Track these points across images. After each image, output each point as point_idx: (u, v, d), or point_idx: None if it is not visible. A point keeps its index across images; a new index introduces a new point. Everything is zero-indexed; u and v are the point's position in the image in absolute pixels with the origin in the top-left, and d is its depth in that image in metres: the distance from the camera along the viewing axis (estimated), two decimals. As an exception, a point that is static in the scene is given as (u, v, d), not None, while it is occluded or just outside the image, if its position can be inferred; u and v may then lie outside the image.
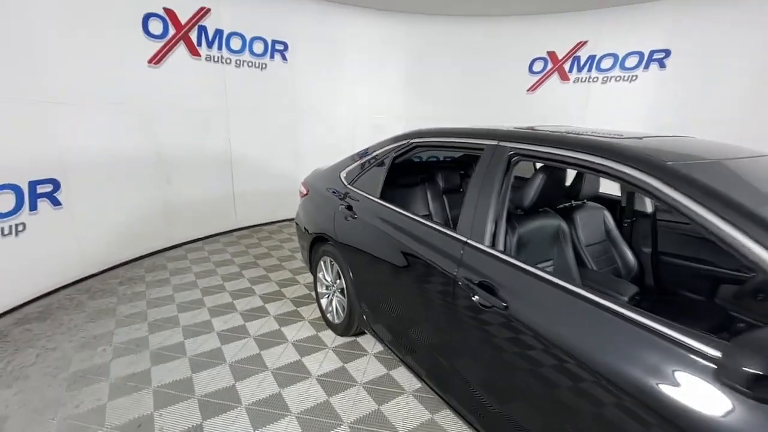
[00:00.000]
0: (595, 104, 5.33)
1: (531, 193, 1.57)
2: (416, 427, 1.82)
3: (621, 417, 0.96)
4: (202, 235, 4.47)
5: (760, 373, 0.64)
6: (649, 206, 2.23)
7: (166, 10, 3.65)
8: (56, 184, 3.01)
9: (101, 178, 3.33)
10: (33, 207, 2.87)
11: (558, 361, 1.11)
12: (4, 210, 2.68)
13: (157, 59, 3.66)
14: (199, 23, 3.96)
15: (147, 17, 3.53)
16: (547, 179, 1.57)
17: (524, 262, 1.29)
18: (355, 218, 2.15)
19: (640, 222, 2.23)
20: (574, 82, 5.40)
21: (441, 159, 3.09)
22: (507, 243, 1.53)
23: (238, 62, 4.40)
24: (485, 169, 1.51)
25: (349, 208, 2.22)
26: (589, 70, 5.28)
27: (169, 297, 3.04)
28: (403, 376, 2.17)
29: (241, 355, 2.32)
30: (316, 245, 2.64)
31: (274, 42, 4.64)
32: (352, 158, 2.49)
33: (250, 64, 4.50)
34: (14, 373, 2.12)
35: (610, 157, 1.15)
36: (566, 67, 5.41)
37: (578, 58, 5.32)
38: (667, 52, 4.72)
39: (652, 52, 4.81)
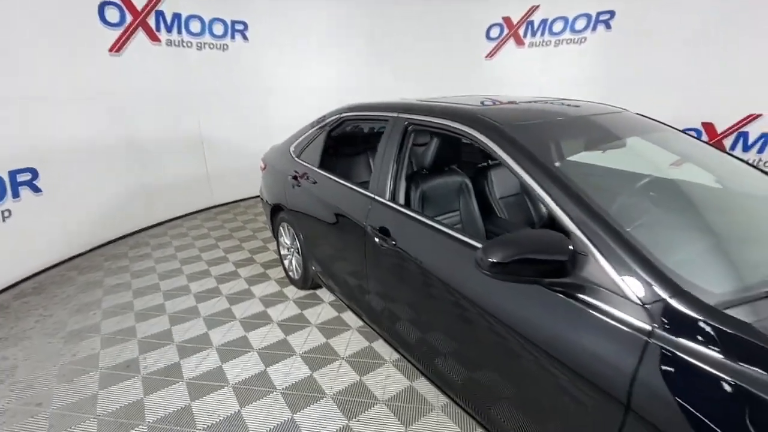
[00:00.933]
0: (551, 68, 5.56)
1: (428, 155, 1.90)
2: (356, 353, 2.23)
3: (462, 314, 1.34)
4: (182, 213, 4.77)
5: (494, 260, 1.00)
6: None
7: (120, -3, 3.78)
8: (34, 173, 3.27)
9: (77, 165, 3.58)
10: (16, 194, 3.14)
11: (426, 276, 1.48)
12: (-10, 198, 2.96)
13: (117, 47, 3.82)
14: (156, 8, 4.08)
15: (102, 5, 3.66)
16: (441, 143, 1.89)
17: (415, 212, 1.64)
18: (300, 186, 2.48)
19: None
20: (529, 46, 5.60)
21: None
22: (410, 197, 1.88)
23: (199, 45, 4.54)
24: (388, 136, 1.84)
25: (295, 177, 2.54)
26: (543, 34, 5.48)
27: (151, 268, 3.39)
28: (350, 318, 2.57)
29: (214, 310, 2.70)
30: (276, 214, 2.98)
31: (233, 22, 4.76)
32: (298, 134, 2.78)
33: (211, 46, 4.64)
34: (18, 336, 2.49)
35: (458, 120, 1.48)
36: (521, 32, 5.59)
37: (532, 23, 5.51)
38: (612, 13, 4.92)
39: (598, 14, 5.02)
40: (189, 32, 4.41)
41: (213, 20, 4.58)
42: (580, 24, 5.17)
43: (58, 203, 3.46)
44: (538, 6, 5.41)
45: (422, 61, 5.85)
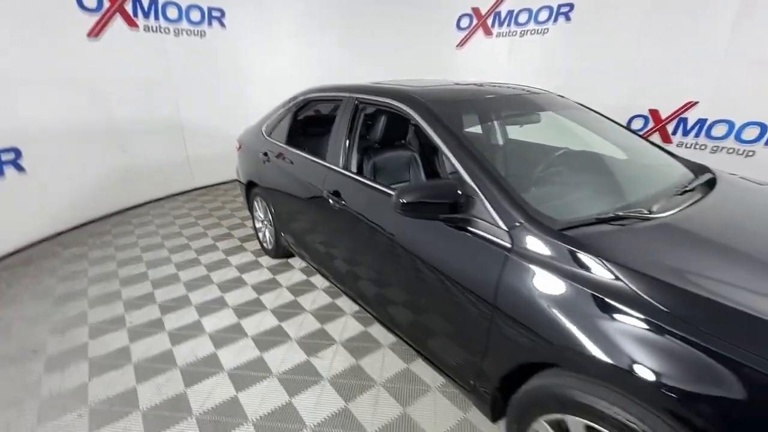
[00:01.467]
0: (517, 57, 5.88)
1: (377, 131, 2.19)
2: (321, 307, 2.53)
3: (391, 250, 1.64)
4: (163, 195, 4.95)
5: (403, 201, 1.30)
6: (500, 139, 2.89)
7: (97, -17, 3.91)
8: (18, 152, 3.43)
9: (59, 146, 3.74)
10: (0, 173, 3.31)
11: (365, 224, 1.78)
12: (-24, 175, 3.13)
13: (95, 32, 3.95)
14: (133, -6, 4.22)
15: (80, -9, 3.80)
16: (388, 120, 2.17)
17: (357, 174, 1.94)
18: (269, 162, 2.74)
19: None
20: (496, 36, 5.90)
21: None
22: (363, 168, 2.17)
23: (176, 31, 4.68)
24: (341, 113, 2.12)
25: (265, 154, 2.80)
26: (509, 24, 5.78)
27: (134, 243, 3.61)
28: (318, 280, 2.86)
29: (193, 276, 2.96)
30: (250, 190, 3.23)
31: (210, 9, 4.90)
32: (269, 115, 3.03)
33: (189, 32, 4.79)
34: (10, 299, 2.71)
35: (393, 97, 1.78)
36: (489, 22, 5.88)
37: (499, 14, 5.79)
38: (572, 6, 5.25)
39: (559, 6, 5.33)
40: (166, 18, 4.55)
41: (190, 7, 4.72)
42: (543, 15, 5.48)
43: (42, 182, 3.63)
44: (505, -3, 5.70)
45: (395, 49, 6.09)
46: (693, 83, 4.39)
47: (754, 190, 1.67)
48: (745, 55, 3.96)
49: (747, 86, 4.01)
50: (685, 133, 4.57)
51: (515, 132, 2.55)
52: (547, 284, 1.11)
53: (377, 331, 2.28)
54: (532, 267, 1.14)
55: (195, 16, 4.79)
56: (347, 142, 2.06)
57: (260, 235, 3.31)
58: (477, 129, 2.32)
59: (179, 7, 4.63)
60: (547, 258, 1.13)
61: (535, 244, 1.17)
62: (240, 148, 3.35)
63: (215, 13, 4.96)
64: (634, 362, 0.91)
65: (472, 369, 1.37)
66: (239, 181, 3.38)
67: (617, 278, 1.01)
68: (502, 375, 1.23)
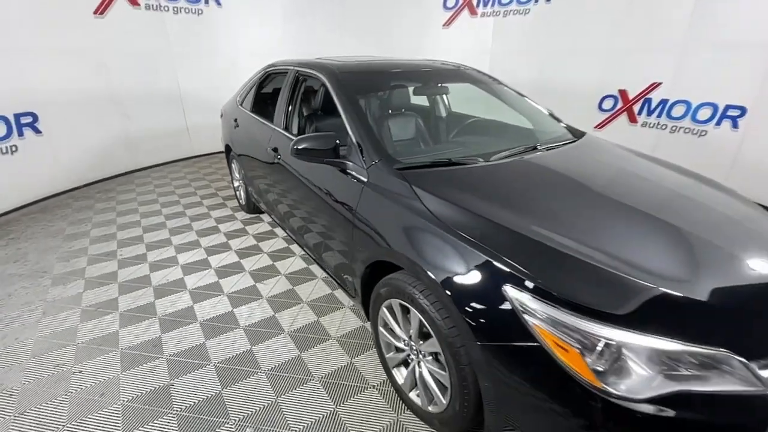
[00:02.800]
0: (500, 36, 6.06)
1: (316, 102, 2.58)
2: (277, 250, 3.01)
3: (304, 188, 2.08)
4: (164, 161, 5.50)
5: (296, 148, 1.73)
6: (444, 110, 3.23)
7: (102, -35, 4.34)
8: (35, 116, 3.99)
9: (71, 112, 4.29)
10: (20, 133, 3.88)
11: (290, 171, 2.22)
12: (1, 134, 3.70)
13: (101, 10, 4.42)
14: (135, -26, 4.64)
15: (87, -28, 4.25)
16: (326, 90, 2.57)
17: (285, 131, 2.37)
18: (238, 127, 3.19)
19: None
20: (481, 16, 6.09)
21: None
22: (306, 130, 2.58)
23: (175, 9, 5.10)
24: (285, 83, 2.53)
25: (236, 120, 3.24)
26: (493, 5, 5.95)
27: (133, 199, 4.16)
28: (280, 231, 3.34)
29: (178, 224, 3.49)
30: (229, 152, 3.70)
31: (207, -12, 5.29)
32: (244, 86, 3.46)
33: (186, 10, 5.20)
34: (27, 236, 3.29)
35: (316, 69, 2.18)
36: (474, 2, 6.06)
37: (483, -7, 5.97)
38: (552, -14, 5.39)
39: (540, -14, 5.49)
40: (165, -3, 4.97)
41: (188, -14, 5.12)
42: (525, -5, 5.64)
43: (56, 143, 4.20)
44: (489, -23, 5.86)
45: (385, 27, 6.35)
46: (657, 65, 4.58)
47: (604, 150, 2.02)
48: (702, 39, 4.13)
49: (703, 68, 4.19)
50: (650, 113, 4.78)
51: (458, 104, 2.93)
52: (382, 202, 1.54)
53: (316, 269, 2.75)
54: (375, 193, 1.57)
55: (192, -6, 5.19)
56: (289, 107, 2.48)
57: (237, 193, 3.80)
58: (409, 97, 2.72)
59: (177, -14, 5.03)
60: (385, 186, 1.55)
61: (379, 177, 1.59)
62: (222, 116, 3.80)
63: (211, -8, 5.34)
64: (421, 256, 1.33)
65: (347, 269, 1.82)
66: (222, 144, 3.86)
67: (418, 197, 1.42)
68: (363, 271, 1.66)
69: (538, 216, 1.33)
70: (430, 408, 1.48)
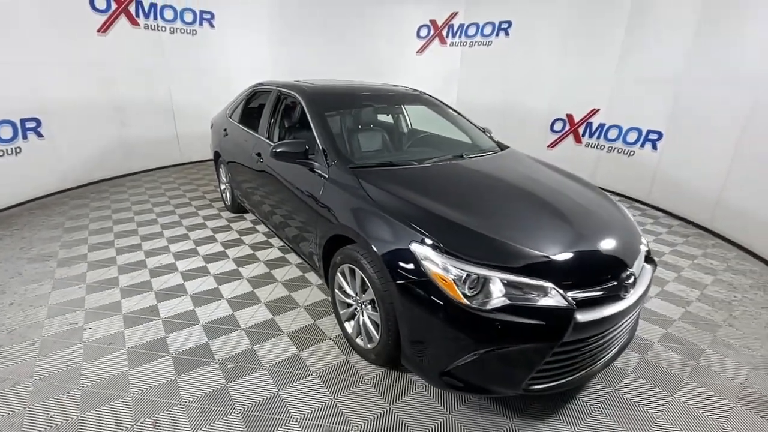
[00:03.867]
0: (467, 65, 6.78)
1: (294, 117, 3.11)
2: (258, 242, 3.46)
3: (281, 187, 2.57)
4: (155, 167, 5.90)
5: (275, 151, 2.23)
6: (406, 126, 3.80)
7: (107, -11, 4.84)
8: (38, 122, 4.38)
9: (71, 120, 4.69)
10: (24, 137, 4.26)
11: (272, 173, 2.71)
12: (6, 137, 4.07)
13: (104, 29, 4.90)
14: (136, -1, 5.15)
15: (93, -5, 4.74)
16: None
17: (267, 139, 2.87)
18: (227, 136, 3.68)
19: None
20: (450, 45, 6.82)
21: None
22: (285, 138, 3.09)
23: (172, 29, 5.62)
24: (269, 100, 3.05)
25: (225, 130, 3.73)
26: (460, 36, 6.69)
27: (126, 198, 4.56)
28: (262, 227, 3.80)
29: (169, 221, 3.90)
30: (217, 159, 4.17)
31: (201, 11, 5.84)
32: (233, 101, 3.96)
33: (182, 30, 5.72)
34: (31, 227, 3.65)
35: (292, 89, 2.71)
36: (444, 33, 6.79)
37: (452, 26, 6.71)
38: (510, 23, 6.16)
39: (500, 23, 6.24)
40: (163, 19, 5.48)
41: (184, 9, 5.65)
42: (488, 30, 6.39)
43: (56, 147, 4.58)
44: (457, 12, 6.60)
45: (364, 52, 6.99)
46: (596, 94, 5.31)
47: (515, 159, 2.59)
48: (628, 73, 4.88)
49: (630, 98, 4.93)
50: (591, 135, 5.49)
51: (415, 122, 3.50)
52: (338, 192, 2.05)
53: (291, 257, 3.21)
54: (333, 185, 2.08)
55: (188, 17, 5.73)
56: (271, 120, 3.00)
57: (223, 195, 4.25)
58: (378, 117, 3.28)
59: (175, 10, 5.56)
60: (341, 180, 2.07)
61: (337, 174, 2.11)
62: (212, 126, 4.28)
63: (206, 15, 5.89)
64: (361, 227, 1.83)
65: (310, 245, 2.31)
66: (211, 151, 4.32)
67: (362, 187, 1.94)
68: (323, 245, 2.14)
69: (443, 200, 1.86)
70: (368, 346, 1.96)
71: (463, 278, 1.48)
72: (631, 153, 5.00)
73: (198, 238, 3.52)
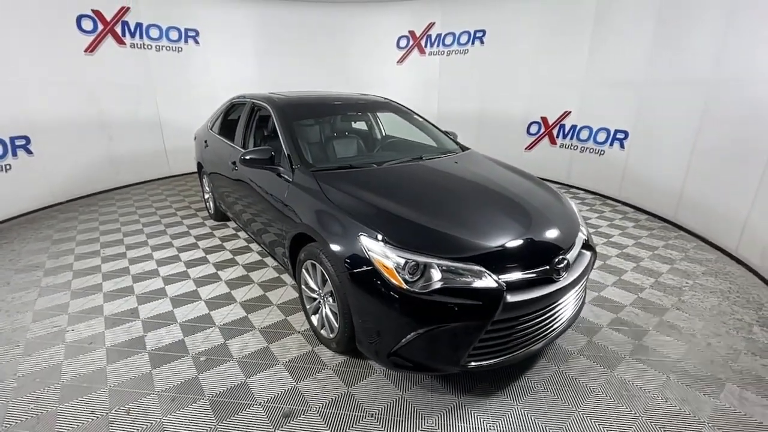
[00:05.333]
0: (445, 73, 7.00)
1: (268, 127, 3.28)
2: (238, 247, 3.61)
3: (254, 191, 2.73)
4: (144, 180, 6.06)
5: (243, 158, 2.39)
6: (380, 133, 3.97)
7: (94, 11, 5.05)
8: (28, 139, 4.54)
9: (60, 136, 4.86)
10: (14, 154, 4.42)
11: (245, 180, 2.87)
12: (-3, 155, 4.24)
13: (91, 49, 5.10)
14: (122, 19, 5.36)
15: (80, 17, 4.95)
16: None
17: (240, 147, 3.05)
18: (208, 147, 3.85)
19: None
20: (429, 54, 7.06)
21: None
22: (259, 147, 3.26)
23: (158, 47, 5.83)
24: (245, 112, 3.23)
25: (205, 141, 3.91)
26: (438, 45, 6.94)
27: (114, 211, 4.70)
28: (244, 234, 3.95)
29: (154, 230, 4.05)
30: (201, 169, 4.33)
31: (186, 30, 6.06)
32: (214, 114, 4.14)
33: (168, 48, 5.94)
34: (20, 240, 3.79)
35: (263, 101, 2.90)
36: (423, 43, 7.04)
37: (430, 36, 6.96)
38: (484, 32, 6.41)
39: (475, 32, 6.49)
40: (149, 37, 5.70)
41: (169, 28, 5.87)
42: (464, 38, 6.64)
43: (45, 164, 4.74)
44: (434, 23, 6.86)
45: (348, 64, 7.23)
46: (568, 96, 5.53)
47: (471, 159, 2.77)
48: (595, 77, 5.10)
49: (598, 100, 5.14)
50: (564, 136, 5.70)
51: (391, 128, 3.69)
52: (300, 194, 2.21)
53: (269, 260, 3.36)
54: (296, 188, 2.25)
55: (173, 35, 5.94)
56: (246, 130, 3.17)
57: (207, 204, 4.41)
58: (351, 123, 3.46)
59: (160, 29, 5.78)
60: (302, 182, 2.24)
61: (300, 177, 2.28)
62: (195, 138, 4.46)
63: (191, 33, 6.11)
64: (319, 225, 1.99)
65: (280, 245, 2.46)
66: (196, 162, 4.49)
67: (321, 189, 2.11)
68: (289, 244, 2.29)
69: (394, 197, 2.03)
70: (331, 336, 2.10)
71: (403, 265, 1.64)
72: (602, 152, 5.20)
73: (181, 246, 3.67)
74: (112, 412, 1.79)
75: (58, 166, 4.91)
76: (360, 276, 1.74)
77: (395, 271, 1.63)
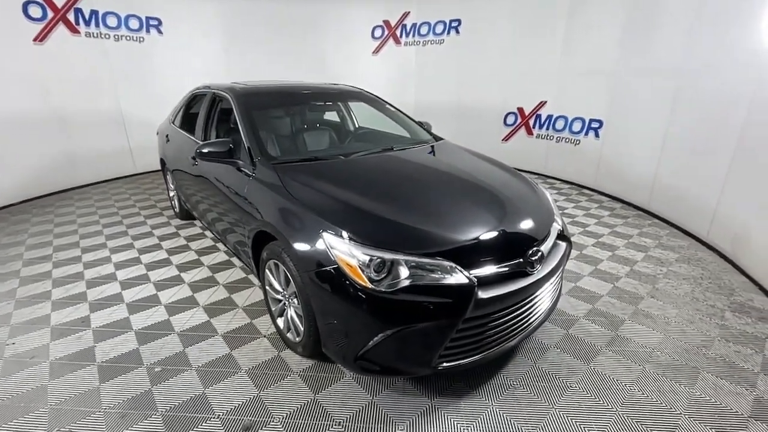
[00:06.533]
0: (421, 63, 6.89)
1: (231, 119, 3.09)
2: (204, 247, 3.41)
3: (211, 185, 2.55)
4: (107, 178, 5.73)
5: (199, 152, 2.22)
6: (352, 124, 3.82)
7: (42, -3, 4.69)
8: (-29, 136, 4.19)
9: (10, 133, 4.50)
10: (-44, 152, 4.06)
11: (203, 174, 2.69)
12: (-66, 153, 3.88)
13: (40, 38, 4.73)
14: (75, 6, 4.99)
15: (26, 4, 4.57)
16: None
17: (199, 141, 2.86)
18: (169, 141, 3.62)
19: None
20: (404, 45, 6.92)
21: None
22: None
23: (116, 37, 5.47)
24: (204, 103, 3.03)
25: (167, 136, 3.67)
26: (414, 35, 6.81)
27: (72, 212, 4.41)
28: (210, 233, 3.75)
29: (114, 231, 3.80)
30: (164, 165, 4.09)
31: (148, 18, 5.71)
32: (175, 107, 3.90)
33: (128, 38, 5.58)
34: (-38, 247, 3.49)
35: (223, 90, 2.71)
36: (398, 33, 6.89)
37: (405, 26, 6.81)
38: (459, 21, 6.31)
39: (450, 21, 6.39)
40: (106, 26, 5.33)
41: (128, 16, 5.52)
42: (439, 28, 6.53)
43: (-8, 162, 4.39)
44: (409, 12, 6.71)
45: (321, 53, 7.01)
46: (543, 86, 5.50)
47: (444, 149, 2.67)
48: (569, 67, 5.08)
49: (573, 89, 5.12)
50: (540, 126, 5.68)
51: (366, 119, 3.54)
52: (261, 189, 2.06)
53: (236, 260, 3.19)
54: (257, 182, 2.09)
55: (134, 24, 5.59)
56: (207, 123, 2.97)
57: (172, 202, 4.17)
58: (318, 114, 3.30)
59: (118, 17, 5.42)
60: (263, 176, 2.08)
61: (260, 171, 2.12)
62: (158, 133, 4.20)
63: (153, 22, 5.77)
64: (280, 221, 1.85)
65: (242, 243, 2.31)
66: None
67: (282, 183, 1.96)
68: (251, 241, 2.13)
69: (360, 190, 1.91)
70: (297, 339, 1.97)
71: (368, 263, 1.52)
72: (577, 142, 5.20)
73: (143, 247, 3.45)
74: (51, 434, 1.62)
75: (8, 164, 4.56)
76: (322, 275, 1.61)
77: (359, 270, 1.51)
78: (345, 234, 1.59)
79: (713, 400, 1.77)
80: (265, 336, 2.23)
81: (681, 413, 1.70)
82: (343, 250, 1.56)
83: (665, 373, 1.93)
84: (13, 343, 2.20)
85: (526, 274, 1.69)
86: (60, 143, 5.09)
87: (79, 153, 5.31)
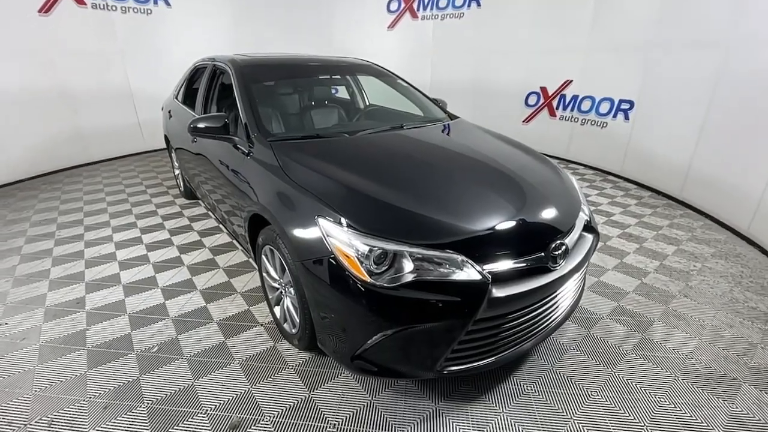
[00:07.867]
0: (439, 38, 6.51)
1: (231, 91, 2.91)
2: (207, 228, 3.31)
3: (208, 161, 2.40)
4: (116, 155, 5.67)
5: (192, 126, 2.06)
6: (362, 101, 3.60)
7: (46, -34, 4.52)
8: (-22, 110, 4.14)
9: (17, 108, 4.44)
10: (-37, 126, 4.02)
11: (202, 148, 2.54)
12: (-58, 127, 3.84)
13: (45, 9, 4.60)
14: (80, -25, 4.83)
15: (30, -27, 4.43)
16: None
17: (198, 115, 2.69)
18: (172, 119, 3.47)
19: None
20: (422, 19, 6.54)
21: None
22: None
23: (123, 9, 5.30)
24: (205, 76, 2.85)
25: (170, 112, 3.52)
26: (432, 9, 6.42)
27: (79, 189, 4.36)
28: (213, 214, 3.63)
29: (119, 209, 3.73)
30: (169, 144, 3.96)
31: (155, -11, 5.51)
32: (179, 82, 3.74)
33: (135, 10, 5.41)
34: (-31, 222, 3.48)
35: (223, 62, 2.52)
36: (414, 6, 6.51)
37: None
38: (481, -8, 5.89)
39: (471, -7, 5.97)
40: (112, -3, 5.17)
41: (135, -14, 5.33)
42: (459, 1, 6.11)
43: (1, 138, 4.34)
44: (427, -17, 6.31)
45: (331, 29, 6.72)
46: (569, 64, 5.12)
47: (459, 128, 2.44)
48: (599, 41, 4.68)
49: (601, 67, 4.74)
50: (564, 107, 5.32)
51: (378, 96, 3.31)
52: (256, 168, 1.89)
53: (236, 244, 3.07)
54: (253, 161, 1.92)
55: (140, -5, 5.40)
56: (207, 98, 2.80)
57: (177, 181, 4.07)
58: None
59: (125, -13, 5.24)
60: (259, 155, 1.91)
61: (257, 148, 1.94)
62: (162, 109, 4.06)
63: (160, -7, 5.57)
64: (274, 204, 1.69)
65: (239, 226, 2.16)
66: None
67: (278, 161, 1.79)
68: (247, 224, 1.99)
69: (365, 172, 1.71)
70: (293, 331, 1.84)
71: (367, 254, 1.34)
72: (604, 125, 4.84)
73: (145, 227, 3.36)
74: (32, 423, 1.54)
75: (16, 140, 4.52)
76: (317, 265, 1.45)
77: (357, 261, 1.34)
78: (343, 220, 1.41)
79: (757, 417, 1.57)
80: (261, 325, 2.10)
81: (718, 431, 1.51)
82: (341, 239, 1.39)
83: (700, 384, 1.72)
84: (6, 324, 2.14)
85: (548, 270, 1.49)
86: (69, 119, 5.02)
87: (88, 129, 5.24)
